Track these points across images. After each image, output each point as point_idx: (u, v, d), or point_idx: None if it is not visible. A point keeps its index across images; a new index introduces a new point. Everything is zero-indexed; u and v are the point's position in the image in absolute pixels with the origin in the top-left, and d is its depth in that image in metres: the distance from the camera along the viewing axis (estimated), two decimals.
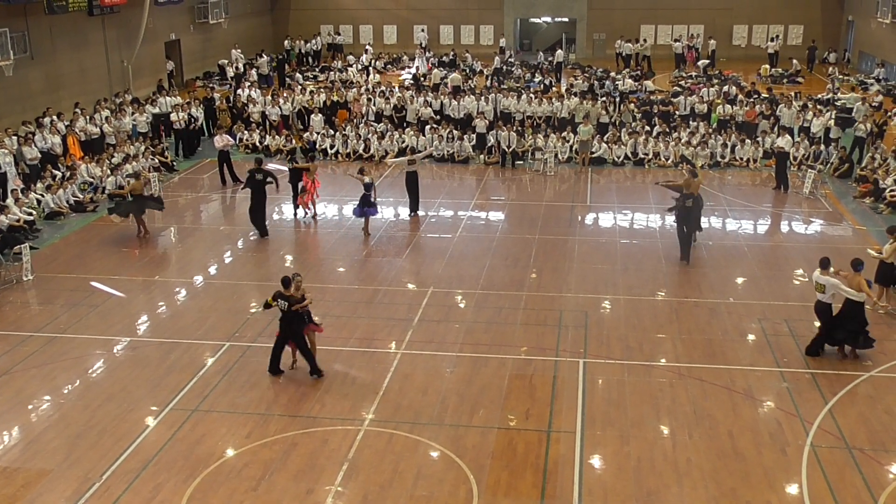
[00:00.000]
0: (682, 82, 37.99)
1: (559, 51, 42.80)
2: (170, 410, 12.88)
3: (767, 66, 40.98)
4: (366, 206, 20.56)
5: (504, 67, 41.44)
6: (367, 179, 20.43)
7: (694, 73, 40.73)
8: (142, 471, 11.37)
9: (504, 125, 27.95)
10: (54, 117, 26.78)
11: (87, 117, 27.59)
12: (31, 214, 21.33)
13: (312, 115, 30.32)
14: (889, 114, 29.97)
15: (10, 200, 21.03)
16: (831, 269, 14.25)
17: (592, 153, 26.99)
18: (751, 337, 15.15)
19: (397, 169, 22.98)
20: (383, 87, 33.05)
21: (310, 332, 13.87)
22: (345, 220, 22.05)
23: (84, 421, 12.61)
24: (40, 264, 18.79)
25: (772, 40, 43.96)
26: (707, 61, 41.60)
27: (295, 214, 22.25)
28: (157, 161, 26.39)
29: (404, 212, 22.32)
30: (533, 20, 50.95)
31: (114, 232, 21.30)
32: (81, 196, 23.23)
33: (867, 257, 16.63)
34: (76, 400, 13.25)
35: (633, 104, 30.83)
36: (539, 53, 45.43)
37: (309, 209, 22.11)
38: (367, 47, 45.59)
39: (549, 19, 50.50)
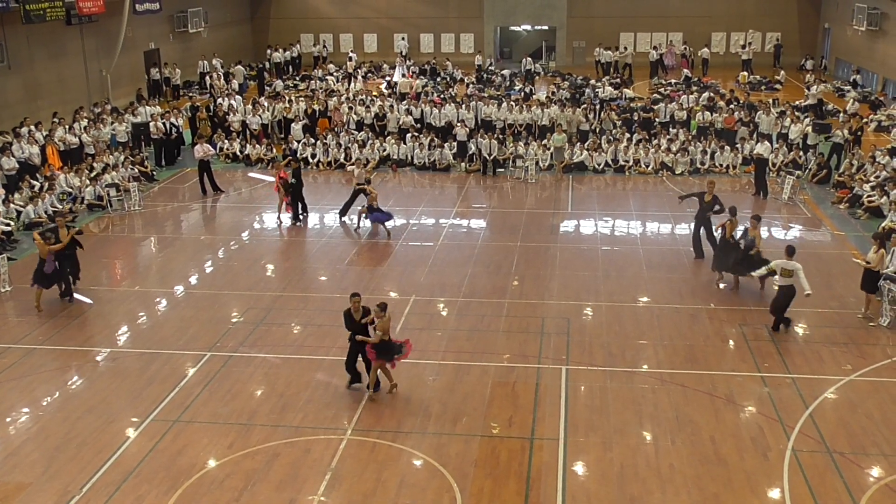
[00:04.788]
0: (662, 90, 38.24)
1: (528, 58, 43.00)
2: (150, 421, 12.78)
3: (745, 74, 41.32)
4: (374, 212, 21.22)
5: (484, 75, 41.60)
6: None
7: (673, 81, 41.03)
8: (122, 483, 11.27)
9: (485, 133, 28.01)
10: (32, 127, 26.60)
11: (66, 127, 27.41)
12: (8, 225, 21.14)
13: (293, 124, 30.28)
14: (865, 120, 30.27)
15: None
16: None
17: (562, 161, 27.08)
18: (732, 342, 15.22)
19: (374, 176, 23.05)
20: (363, 96, 33.03)
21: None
22: (326, 229, 22.02)
23: (63, 433, 12.49)
24: (18, 275, 18.58)
25: (743, 47, 44.31)
26: (687, 71, 41.94)
27: (292, 220, 22.31)
28: (136, 170, 26.23)
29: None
30: (513, 28, 51.14)
31: (93, 242, 21.12)
32: (60, 206, 23.04)
33: (847, 263, 16.82)
34: (55, 412, 13.12)
35: (613, 111, 30.98)
36: (500, 64, 45.30)
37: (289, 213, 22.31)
38: (351, 55, 45.59)
39: (528, 27, 50.70)
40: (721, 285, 17.62)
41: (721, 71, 43.84)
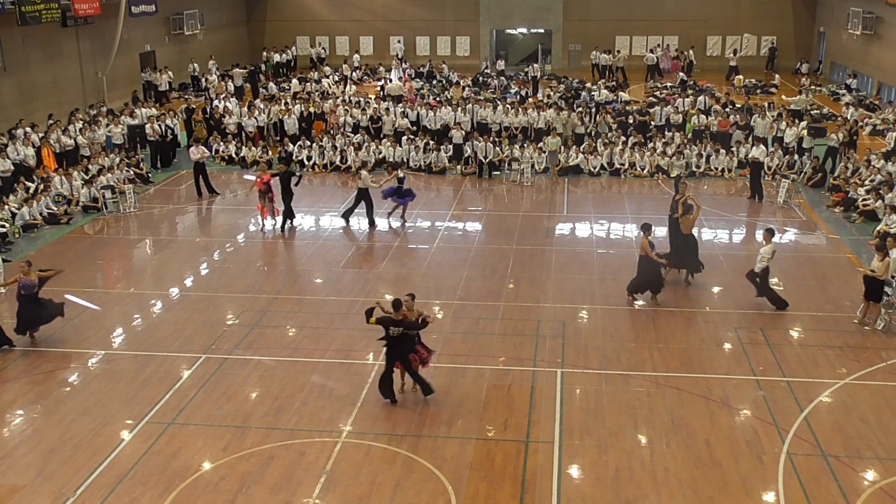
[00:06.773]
0: (658, 93, 38.29)
1: (535, 64, 43.03)
2: (145, 424, 12.76)
3: (741, 77, 41.38)
4: (399, 197, 22.26)
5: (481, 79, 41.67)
6: (400, 174, 22.29)
7: (669, 84, 41.08)
8: (117, 485, 11.25)
9: (480, 136, 28.02)
10: (28, 129, 26.54)
11: (62, 129, 27.37)
12: (3, 227, 21.09)
13: (286, 123, 30.31)
14: (860, 124, 30.33)
15: None
16: None
17: (558, 165, 27.13)
18: (727, 346, 15.23)
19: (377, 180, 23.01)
20: (359, 99, 33.04)
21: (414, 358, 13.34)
22: (321, 231, 22.01)
23: (58, 435, 12.47)
24: (13, 277, 18.54)
25: (735, 52, 44.34)
26: (682, 75, 42.00)
27: (264, 225, 22.12)
28: (131, 172, 26.19)
29: (381, 223, 22.29)
30: (509, 31, 51.17)
31: (88, 244, 21.13)
32: (55, 208, 23.00)
33: (842, 266, 16.82)
34: (50, 414, 13.10)
35: (609, 115, 31.02)
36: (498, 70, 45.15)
37: (268, 218, 22.11)
38: (356, 55, 45.64)
39: (524, 30, 50.74)
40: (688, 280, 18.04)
41: (716, 74, 43.92)
